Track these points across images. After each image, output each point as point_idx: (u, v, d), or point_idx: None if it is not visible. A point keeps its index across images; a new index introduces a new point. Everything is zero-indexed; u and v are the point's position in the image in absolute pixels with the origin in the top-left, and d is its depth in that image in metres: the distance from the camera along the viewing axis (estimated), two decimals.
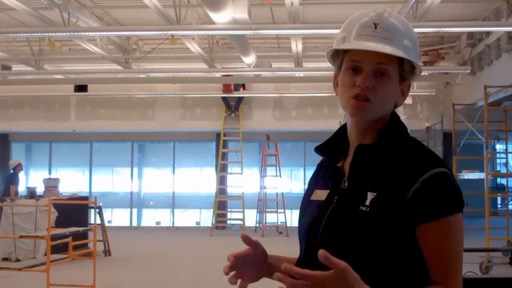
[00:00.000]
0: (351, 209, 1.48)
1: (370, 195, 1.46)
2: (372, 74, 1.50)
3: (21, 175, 13.95)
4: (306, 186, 1.74)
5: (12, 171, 13.34)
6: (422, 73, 13.55)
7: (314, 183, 1.69)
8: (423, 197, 1.41)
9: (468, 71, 12.51)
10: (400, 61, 1.54)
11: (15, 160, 13.93)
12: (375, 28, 1.50)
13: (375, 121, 1.55)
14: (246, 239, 1.60)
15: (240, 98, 15.62)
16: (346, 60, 1.54)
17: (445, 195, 1.43)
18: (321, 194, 1.59)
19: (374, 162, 1.52)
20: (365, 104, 1.50)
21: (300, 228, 1.64)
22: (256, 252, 1.62)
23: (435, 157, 1.50)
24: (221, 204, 15.84)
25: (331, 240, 1.49)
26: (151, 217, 18.69)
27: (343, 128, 1.67)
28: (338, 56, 1.60)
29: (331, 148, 1.66)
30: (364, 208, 1.45)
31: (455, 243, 1.43)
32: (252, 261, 1.62)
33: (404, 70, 1.57)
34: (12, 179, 13.24)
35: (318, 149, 1.68)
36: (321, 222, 1.53)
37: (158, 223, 17.73)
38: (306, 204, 1.65)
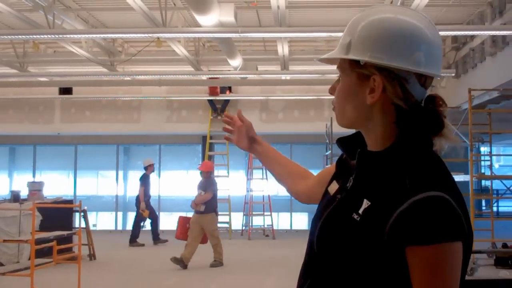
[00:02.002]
0: (345, 214, 1.40)
1: (365, 203, 1.36)
2: (338, 80, 1.50)
3: (153, 176, 14.17)
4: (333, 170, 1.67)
5: (144, 171, 13.46)
6: None
7: (336, 172, 1.63)
8: (410, 219, 1.25)
9: (453, 74, 12.59)
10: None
11: (147, 160, 13.89)
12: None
13: (368, 128, 1.47)
14: (239, 114, 2.10)
15: (227, 101, 15.61)
16: None
17: (437, 219, 1.24)
18: (334, 187, 1.56)
19: (377, 170, 1.39)
20: (334, 111, 1.52)
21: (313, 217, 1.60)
22: (245, 124, 2.10)
23: (440, 179, 1.33)
24: None
25: (323, 240, 1.46)
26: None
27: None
28: None
29: (352, 143, 1.55)
30: (356, 217, 1.36)
31: (445, 277, 1.25)
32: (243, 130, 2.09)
33: (365, 66, 1.41)
34: (143, 180, 13.40)
35: (339, 141, 1.58)
36: (316, 223, 1.51)
37: (143, 226, 17.59)
38: (323, 193, 1.62)
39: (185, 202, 18.20)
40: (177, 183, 18.77)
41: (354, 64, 1.42)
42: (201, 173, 10.80)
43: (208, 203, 10.20)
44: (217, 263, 10.14)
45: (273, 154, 2.11)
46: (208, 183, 10.51)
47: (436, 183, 1.30)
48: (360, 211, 1.36)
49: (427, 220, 1.24)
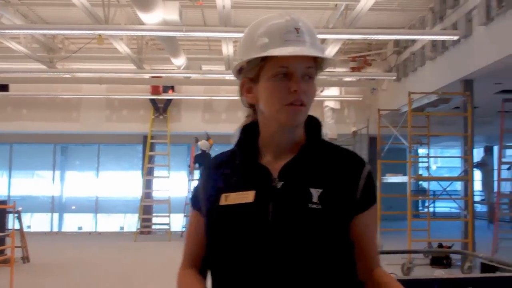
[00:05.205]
0: (298, 208, 1.47)
1: (316, 192, 1.49)
2: (301, 79, 1.50)
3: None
4: (195, 195, 1.67)
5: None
6: (350, 79, 13.94)
7: (215, 186, 1.59)
8: (368, 190, 1.56)
9: (394, 78, 12.85)
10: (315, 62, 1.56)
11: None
12: (298, 32, 1.49)
13: (300, 125, 1.59)
14: None
15: (169, 100, 15.41)
16: (273, 67, 1.50)
17: (375, 185, 1.61)
18: (242, 196, 1.52)
19: (312, 161, 1.55)
20: (302, 108, 1.51)
21: (229, 238, 1.52)
22: None
23: (358, 155, 1.64)
24: (146, 208, 15.57)
25: (285, 241, 1.46)
26: (73, 222, 18.08)
27: (247, 130, 1.64)
28: (250, 64, 1.55)
29: (244, 148, 1.62)
30: (314, 206, 1.47)
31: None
32: None
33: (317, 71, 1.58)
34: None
35: (239, 148, 1.62)
36: (264, 226, 1.48)
37: (80, 228, 17.24)
38: (220, 211, 1.54)
39: (124, 203, 17.94)
40: (116, 184, 18.42)
41: (316, 67, 1.55)
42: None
43: None
44: None
45: None
46: None
47: (362, 158, 1.62)
48: (315, 200, 1.48)
49: (374, 184, 1.60)
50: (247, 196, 1.52)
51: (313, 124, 1.62)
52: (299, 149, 1.57)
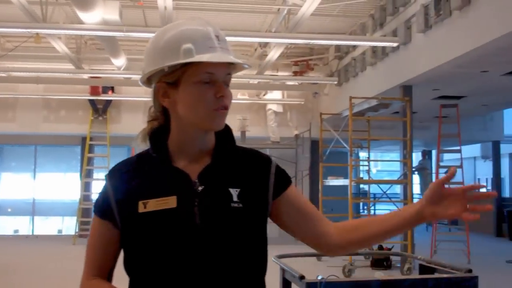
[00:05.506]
0: (222, 208, 1.54)
1: (235, 191, 1.56)
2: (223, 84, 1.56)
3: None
4: (102, 203, 1.62)
5: None
6: (293, 83, 14.03)
7: (128, 194, 1.56)
8: (280, 180, 1.67)
9: (335, 82, 13.01)
10: None
11: None
12: (219, 40, 1.53)
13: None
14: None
15: (109, 101, 15.09)
16: (197, 73, 1.51)
17: (285, 172, 1.72)
18: (163, 202, 1.52)
19: (227, 163, 1.62)
20: (226, 112, 1.57)
21: (154, 245, 1.51)
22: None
23: (263, 153, 1.73)
24: (85, 211, 15.20)
25: (214, 242, 1.51)
26: (8, 225, 17.48)
27: (157, 135, 1.63)
28: (170, 69, 1.53)
29: (158, 153, 1.62)
30: (236, 205, 1.54)
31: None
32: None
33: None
34: None
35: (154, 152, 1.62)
36: (192, 230, 1.50)
37: (16, 231, 16.70)
38: (140, 219, 1.52)
39: (62, 206, 17.48)
40: (54, 186, 17.93)
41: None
42: None
43: None
44: None
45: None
46: None
47: (265, 154, 1.72)
48: (235, 199, 1.55)
49: (285, 172, 1.72)
50: (169, 202, 1.52)
51: (223, 129, 1.63)
52: (212, 153, 1.62)
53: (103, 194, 1.62)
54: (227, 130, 1.66)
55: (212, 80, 1.52)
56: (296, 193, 1.71)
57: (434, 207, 1.59)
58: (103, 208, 1.61)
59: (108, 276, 1.64)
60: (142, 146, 1.68)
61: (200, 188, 1.55)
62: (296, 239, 1.72)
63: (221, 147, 1.64)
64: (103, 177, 1.70)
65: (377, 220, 1.68)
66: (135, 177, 1.59)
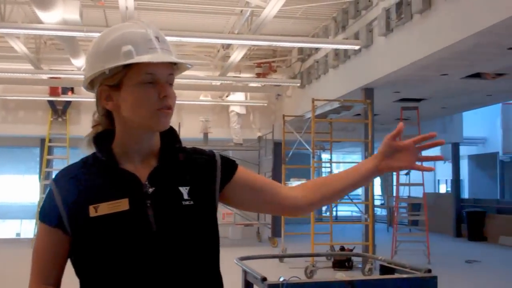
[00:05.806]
0: (174, 207, 1.56)
1: (184, 190, 1.59)
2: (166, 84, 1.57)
3: None
4: (49, 210, 1.57)
5: None
6: (255, 85, 14.05)
7: (77, 199, 1.53)
8: (226, 168, 1.71)
9: (298, 84, 13.07)
10: None
11: None
12: (159, 41, 1.55)
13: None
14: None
15: (68, 102, 14.83)
16: (138, 74, 1.52)
17: (230, 160, 1.76)
18: (115, 205, 1.52)
19: (175, 163, 1.64)
20: (170, 112, 1.57)
21: (108, 248, 1.49)
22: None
23: (207, 150, 1.77)
24: None
25: (171, 242, 1.53)
26: None
27: (102, 139, 1.62)
28: (112, 71, 1.53)
29: (106, 157, 1.60)
30: (187, 202, 1.57)
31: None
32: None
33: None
34: None
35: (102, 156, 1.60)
36: (147, 231, 1.51)
37: None
38: (93, 223, 1.50)
39: (21, 208, 17.14)
40: (12, 188, 17.57)
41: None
42: None
43: None
44: None
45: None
46: None
47: (208, 150, 1.76)
48: (186, 197, 1.58)
49: (230, 160, 1.75)
50: (121, 204, 1.52)
51: (167, 129, 1.64)
52: (158, 154, 1.63)
53: (50, 201, 1.57)
54: (171, 130, 1.66)
55: (154, 81, 1.52)
56: (245, 173, 1.75)
57: (388, 160, 1.73)
58: (51, 215, 1.56)
59: (57, 284, 1.60)
60: (88, 151, 1.64)
61: (150, 190, 1.56)
62: (265, 213, 1.84)
63: (167, 147, 1.65)
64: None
65: (340, 176, 1.80)
66: (82, 182, 1.57)
